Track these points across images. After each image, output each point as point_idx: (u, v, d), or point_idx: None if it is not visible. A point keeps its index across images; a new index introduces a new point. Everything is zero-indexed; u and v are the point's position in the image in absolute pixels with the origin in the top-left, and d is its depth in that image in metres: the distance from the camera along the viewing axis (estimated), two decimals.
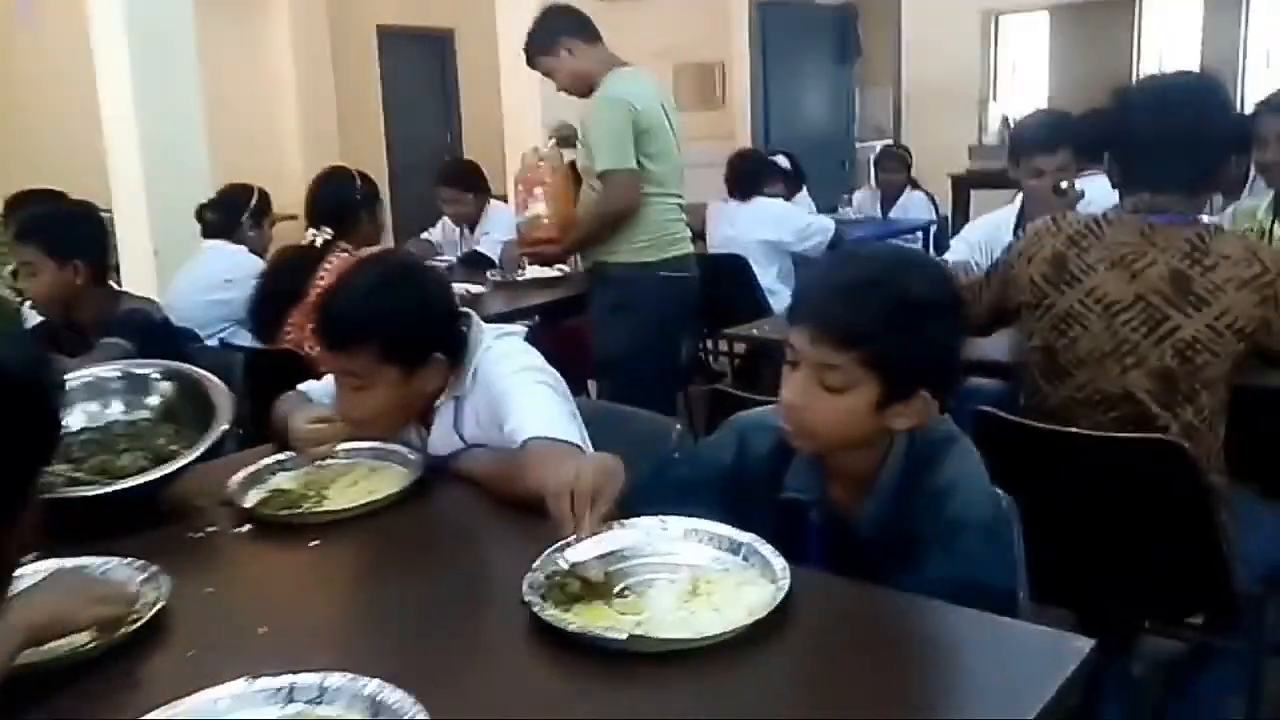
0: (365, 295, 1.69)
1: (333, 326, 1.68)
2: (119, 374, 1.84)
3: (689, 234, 3.12)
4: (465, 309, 1.89)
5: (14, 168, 6.91)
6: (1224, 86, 1.99)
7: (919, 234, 5.49)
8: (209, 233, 3.44)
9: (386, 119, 9.00)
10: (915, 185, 5.98)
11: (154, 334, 2.52)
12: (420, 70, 9.32)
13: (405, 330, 1.68)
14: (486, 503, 1.60)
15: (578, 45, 3.01)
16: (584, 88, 3.01)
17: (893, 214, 5.80)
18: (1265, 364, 1.90)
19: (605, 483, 1.31)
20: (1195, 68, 8.35)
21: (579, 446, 1.59)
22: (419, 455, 1.74)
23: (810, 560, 1.43)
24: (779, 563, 1.26)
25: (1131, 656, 2.26)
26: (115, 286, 2.80)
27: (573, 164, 3.20)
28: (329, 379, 1.87)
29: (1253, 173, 3.38)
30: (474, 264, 4.07)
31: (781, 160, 5.92)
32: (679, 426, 1.95)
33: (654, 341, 2.95)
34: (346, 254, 2.95)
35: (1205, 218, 3.02)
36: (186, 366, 1.85)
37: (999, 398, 2.38)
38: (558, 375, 1.80)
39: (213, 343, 3.15)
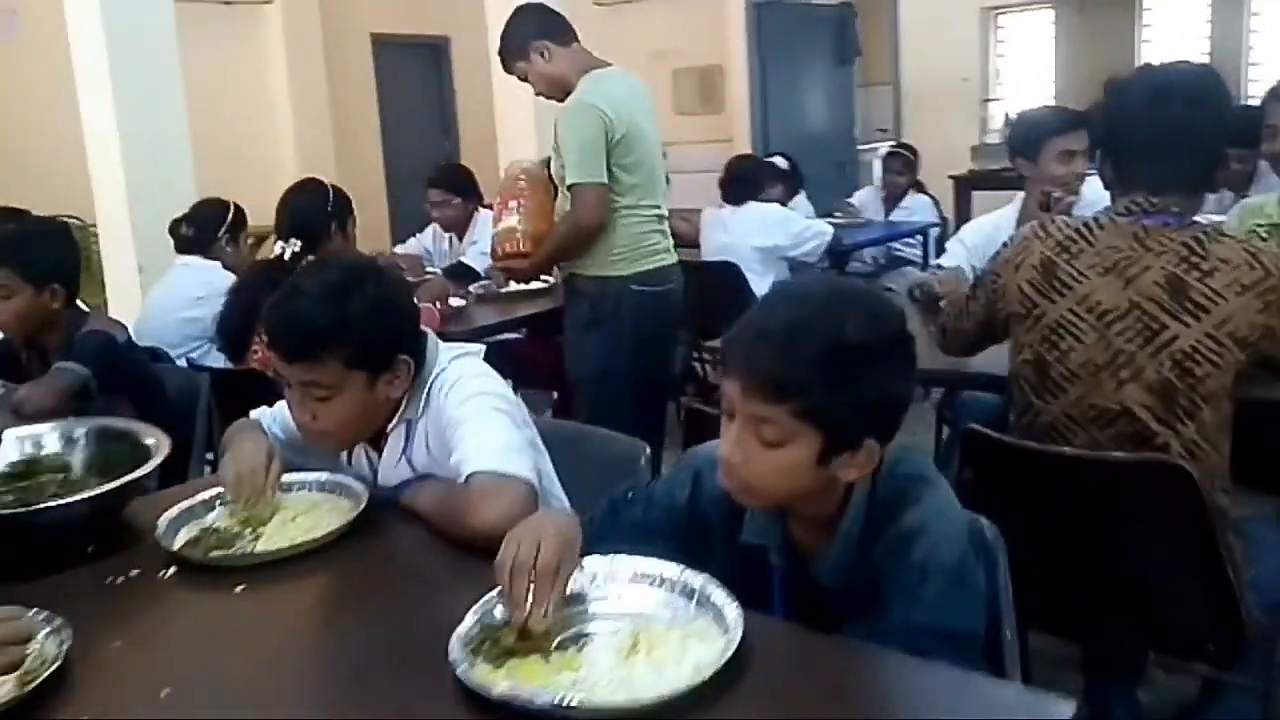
0: (325, 299, 1.57)
1: (293, 337, 1.57)
2: (57, 435, 1.77)
3: (669, 245, 2.99)
4: (424, 328, 1.79)
5: (14, 187, 6.87)
6: (1221, 78, 1.86)
7: (918, 237, 5.36)
8: (183, 248, 3.34)
9: (383, 128, 8.92)
10: (920, 187, 5.85)
11: (113, 357, 2.42)
12: (416, 79, 9.23)
13: (371, 331, 1.58)
14: (430, 541, 1.49)
15: (550, 47, 2.88)
16: (559, 92, 2.88)
17: (895, 216, 5.67)
18: (1273, 375, 1.77)
19: (566, 556, 1.20)
20: (1201, 61, 8.19)
21: (527, 480, 1.48)
22: (364, 487, 1.64)
23: (773, 607, 1.33)
24: (732, 611, 1.15)
25: (1138, 684, 2.14)
26: (83, 306, 2.71)
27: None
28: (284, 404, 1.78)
29: (1261, 167, 3.27)
30: (459, 276, 3.96)
31: (780, 161, 5.81)
32: (648, 450, 1.84)
33: (628, 356, 2.83)
34: None
35: (1214, 216, 2.91)
36: (118, 422, 1.79)
37: (996, 411, 2.26)
38: (516, 400, 1.70)
39: (183, 362, 3.06)
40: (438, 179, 4.41)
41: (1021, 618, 1.99)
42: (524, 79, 2.94)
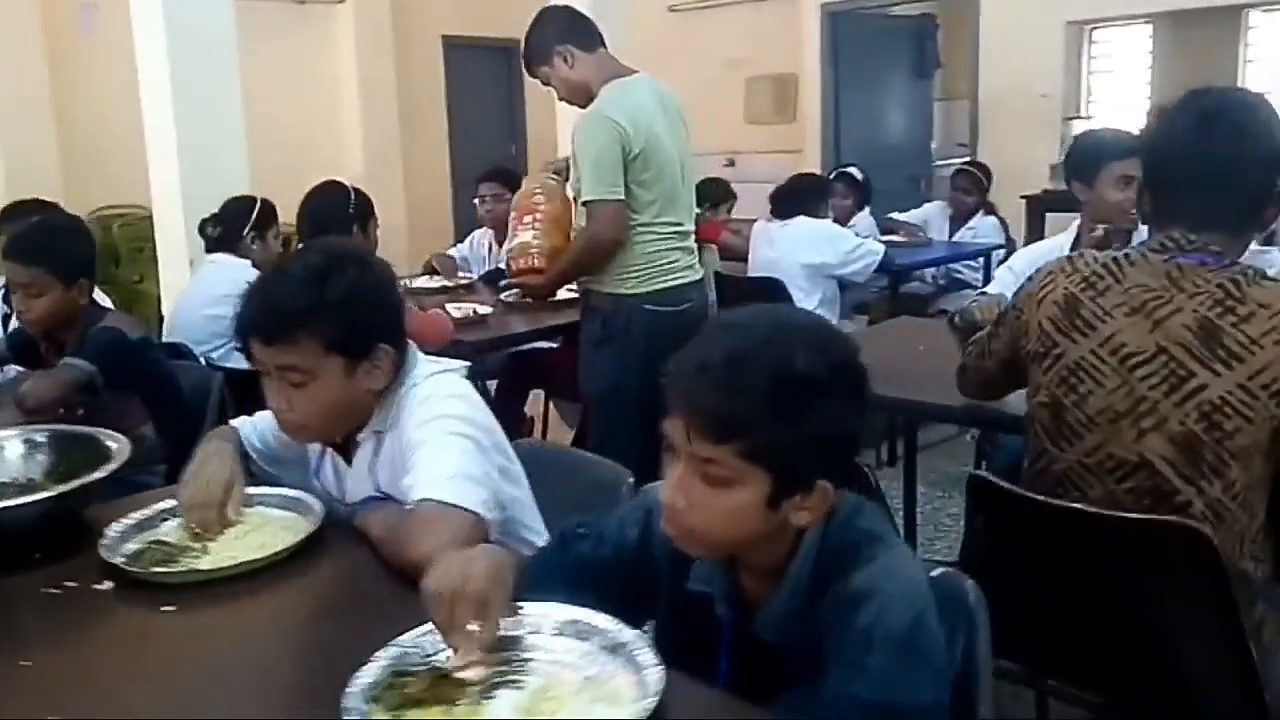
0: (306, 279, 1.54)
1: (271, 315, 1.53)
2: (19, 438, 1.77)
3: (690, 261, 2.88)
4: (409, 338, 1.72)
5: (85, 175, 7.07)
6: (1272, 106, 1.70)
7: (980, 260, 5.15)
8: (211, 247, 3.34)
9: (451, 131, 8.95)
10: (990, 209, 5.62)
11: (121, 354, 2.41)
12: (486, 81, 9.23)
13: (351, 312, 1.54)
14: (377, 568, 1.42)
15: (575, 53, 2.80)
16: (581, 98, 2.80)
17: (960, 236, 5.46)
18: None
19: (495, 589, 1.12)
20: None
21: (473, 513, 1.41)
22: (322, 506, 1.58)
23: (718, 662, 1.23)
24: (654, 675, 1.06)
25: None
26: (103, 301, 2.72)
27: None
28: (268, 413, 1.73)
29: None
30: (495, 282, 3.92)
31: (855, 173, 5.66)
32: (630, 479, 1.75)
33: (638, 375, 2.72)
34: None
35: (1275, 251, 2.69)
36: (82, 429, 1.76)
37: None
38: (486, 425, 1.62)
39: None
40: (492, 173, 4.48)
41: (1033, 675, 1.87)
42: (545, 83, 2.87)
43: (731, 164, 8.31)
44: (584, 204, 2.71)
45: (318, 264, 1.57)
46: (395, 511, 1.48)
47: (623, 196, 2.69)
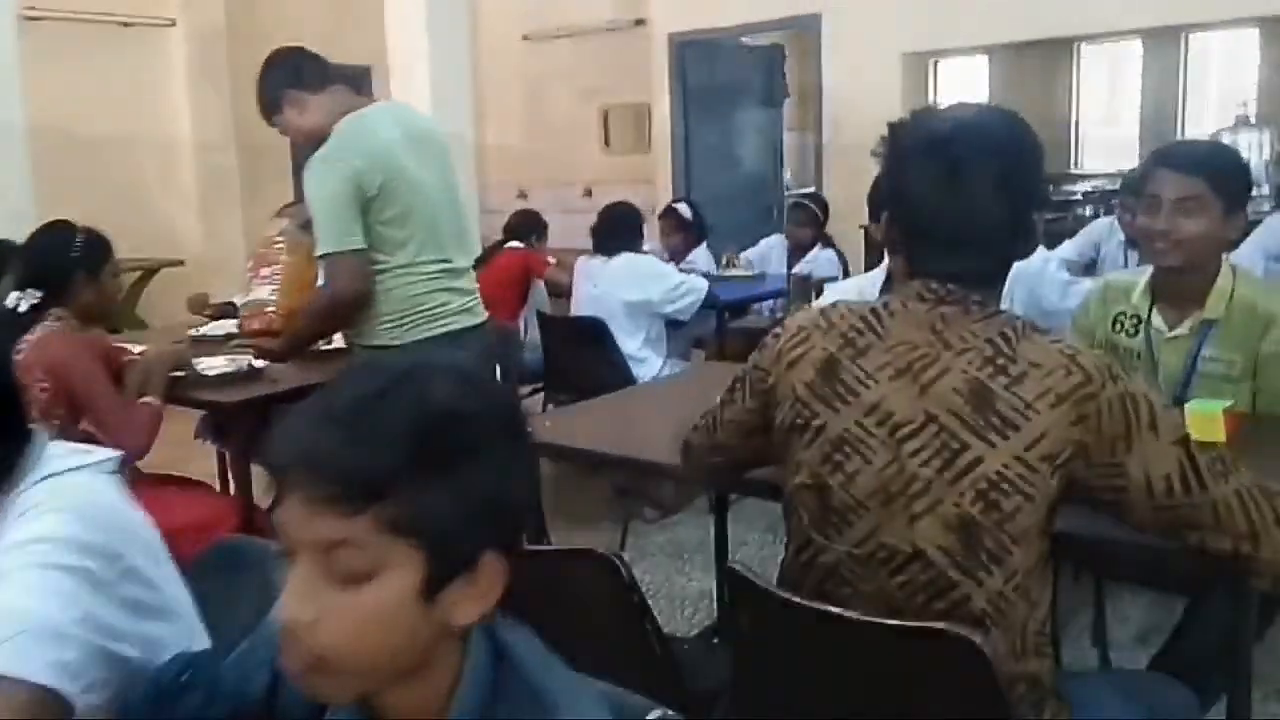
0: None
1: None
2: None
3: (466, 303, 2.58)
4: (33, 425, 1.36)
5: None
6: (1025, 130, 1.46)
7: (815, 295, 5.03)
8: None
9: (293, 155, 8.50)
10: (828, 241, 5.54)
11: None
12: None
13: None
14: None
15: (304, 97, 2.54)
16: (319, 143, 2.52)
17: (799, 269, 5.31)
18: (1093, 507, 1.41)
19: None
20: (1135, 111, 8.03)
21: (32, 688, 1.05)
22: None
23: None
24: None
25: None
26: None
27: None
28: None
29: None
30: None
31: (682, 209, 5.50)
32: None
33: None
34: (61, 322, 2.45)
35: (1087, 281, 2.56)
36: None
37: None
38: (107, 549, 1.19)
39: None
40: (285, 211, 4.08)
41: None
42: (285, 133, 2.62)
43: (589, 194, 8.16)
44: (319, 258, 2.42)
45: None
46: None
47: (361, 245, 2.40)
